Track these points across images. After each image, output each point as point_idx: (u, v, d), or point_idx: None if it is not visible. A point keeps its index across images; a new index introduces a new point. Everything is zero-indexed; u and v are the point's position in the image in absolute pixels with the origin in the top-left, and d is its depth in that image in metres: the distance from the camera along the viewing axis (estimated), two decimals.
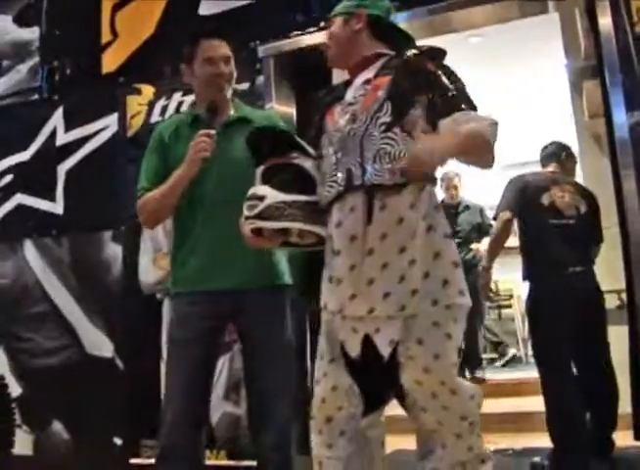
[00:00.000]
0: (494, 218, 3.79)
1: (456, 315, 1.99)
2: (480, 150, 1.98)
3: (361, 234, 1.94)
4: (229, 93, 2.61)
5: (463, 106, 1.99)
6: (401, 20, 3.10)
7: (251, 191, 2.04)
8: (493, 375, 6.08)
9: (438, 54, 2.08)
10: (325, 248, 2.07)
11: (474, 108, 2.01)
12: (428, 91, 1.99)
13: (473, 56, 5.61)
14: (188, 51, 2.62)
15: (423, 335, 1.94)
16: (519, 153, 7.63)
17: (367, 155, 1.96)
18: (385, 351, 1.96)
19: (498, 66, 5.82)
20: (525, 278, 3.68)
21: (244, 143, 2.24)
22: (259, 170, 2.08)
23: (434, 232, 1.98)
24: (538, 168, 3.91)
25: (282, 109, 3.66)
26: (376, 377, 2.03)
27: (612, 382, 3.53)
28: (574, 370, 3.58)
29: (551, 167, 3.81)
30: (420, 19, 3.32)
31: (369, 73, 2.12)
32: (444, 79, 2.01)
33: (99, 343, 3.99)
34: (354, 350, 2.00)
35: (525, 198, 3.64)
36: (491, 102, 6.59)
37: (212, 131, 2.44)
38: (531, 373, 5.89)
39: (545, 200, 3.62)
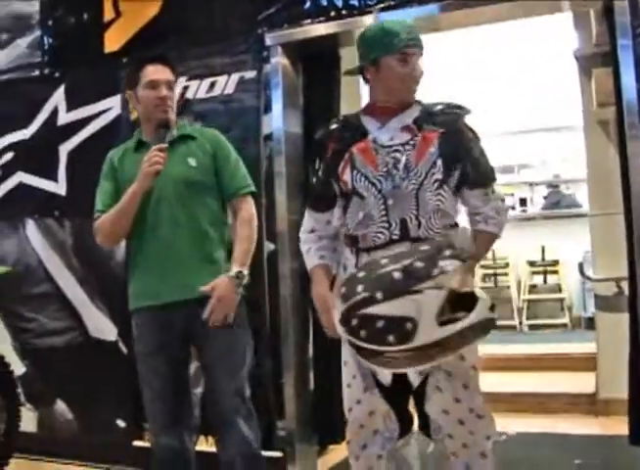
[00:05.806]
0: None
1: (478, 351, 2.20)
2: (490, 247, 2.30)
3: None
4: (173, 115, 2.67)
5: (487, 181, 2.17)
6: (408, 16, 3.04)
7: None
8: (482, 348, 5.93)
9: (467, 113, 2.18)
10: None
11: (494, 179, 2.18)
12: (465, 160, 2.12)
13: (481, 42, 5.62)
14: (131, 76, 2.69)
15: (451, 368, 2.11)
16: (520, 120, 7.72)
17: (424, 209, 2.06)
18: (415, 380, 2.14)
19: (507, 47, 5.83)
20: None
21: (184, 159, 2.56)
22: None
23: None
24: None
25: (289, 98, 3.59)
26: (407, 403, 2.25)
27: None
28: None
29: None
30: (428, 16, 3.24)
31: (405, 119, 2.15)
32: (477, 151, 2.14)
33: (102, 326, 3.99)
34: (386, 378, 2.15)
35: None
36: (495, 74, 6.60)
37: (164, 145, 2.52)
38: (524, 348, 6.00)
39: None
